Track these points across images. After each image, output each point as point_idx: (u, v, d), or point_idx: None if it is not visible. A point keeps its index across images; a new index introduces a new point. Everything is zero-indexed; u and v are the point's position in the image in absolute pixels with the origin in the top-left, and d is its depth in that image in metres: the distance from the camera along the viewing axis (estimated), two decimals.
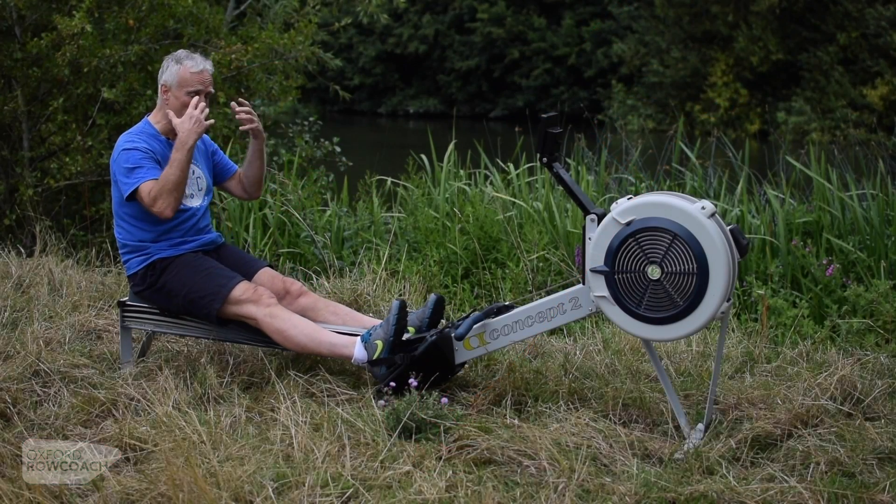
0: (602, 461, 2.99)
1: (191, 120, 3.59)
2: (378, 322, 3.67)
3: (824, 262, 5.02)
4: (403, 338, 3.49)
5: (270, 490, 2.70)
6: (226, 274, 3.65)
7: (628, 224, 3.10)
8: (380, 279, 4.79)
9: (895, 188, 5.83)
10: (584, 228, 3.22)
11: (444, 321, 3.72)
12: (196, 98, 3.64)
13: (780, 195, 5.94)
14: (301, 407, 3.25)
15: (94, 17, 6.34)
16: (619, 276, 3.12)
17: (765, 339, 4.19)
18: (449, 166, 6.49)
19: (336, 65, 8.39)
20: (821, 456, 2.98)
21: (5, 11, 6.43)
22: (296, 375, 3.59)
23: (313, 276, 5.04)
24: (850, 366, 3.63)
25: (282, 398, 3.30)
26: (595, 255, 3.16)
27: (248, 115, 3.78)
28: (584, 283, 3.24)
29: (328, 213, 6.23)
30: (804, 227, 5.63)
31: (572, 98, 28.34)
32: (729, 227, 3.14)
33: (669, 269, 3.05)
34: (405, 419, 3.07)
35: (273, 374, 3.59)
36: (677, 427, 3.22)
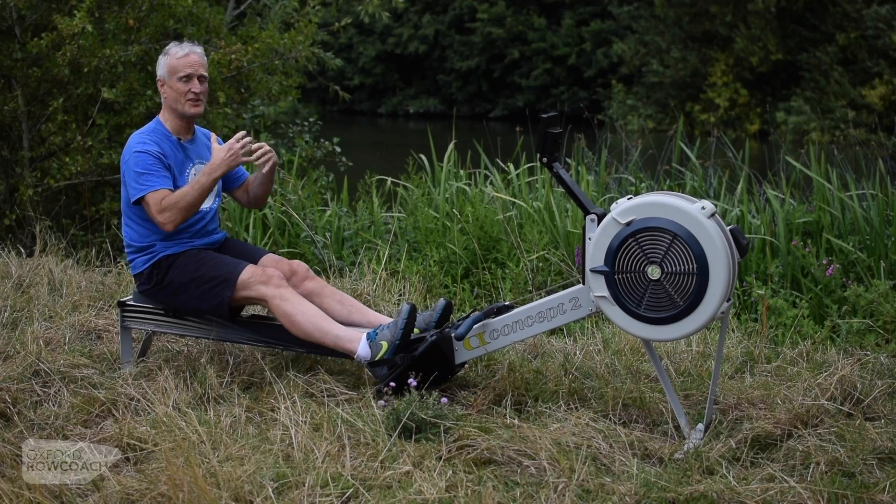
0: (602, 461, 2.99)
1: (228, 151, 3.56)
2: (383, 318, 3.67)
3: (824, 262, 5.02)
4: None
5: (270, 490, 2.70)
6: (232, 261, 3.64)
7: (628, 224, 3.10)
8: (380, 279, 4.79)
9: (895, 188, 5.83)
10: (584, 228, 3.22)
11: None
12: (242, 133, 3.60)
13: (780, 195, 5.94)
14: (301, 407, 3.25)
15: (95, 17, 6.34)
16: (619, 276, 3.12)
17: (765, 339, 4.19)
18: (449, 166, 6.49)
19: (336, 64, 8.39)
20: (821, 456, 2.98)
21: (5, 11, 6.43)
22: (295, 375, 3.59)
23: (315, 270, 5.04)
24: (850, 366, 3.64)
25: (282, 398, 3.30)
26: (595, 255, 3.16)
27: (268, 154, 3.70)
28: (584, 283, 3.24)
29: (328, 213, 6.23)
30: (804, 227, 5.63)
31: (572, 98, 28.35)
32: (729, 227, 3.14)
33: (669, 269, 3.05)
34: (405, 419, 3.07)
35: (273, 374, 3.59)
36: (677, 427, 3.22)
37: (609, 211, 3.16)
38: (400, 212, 6.47)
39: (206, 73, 3.73)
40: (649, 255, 3.07)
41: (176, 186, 3.64)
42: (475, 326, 3.44)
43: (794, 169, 6.34)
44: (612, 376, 3.71)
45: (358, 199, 6.98)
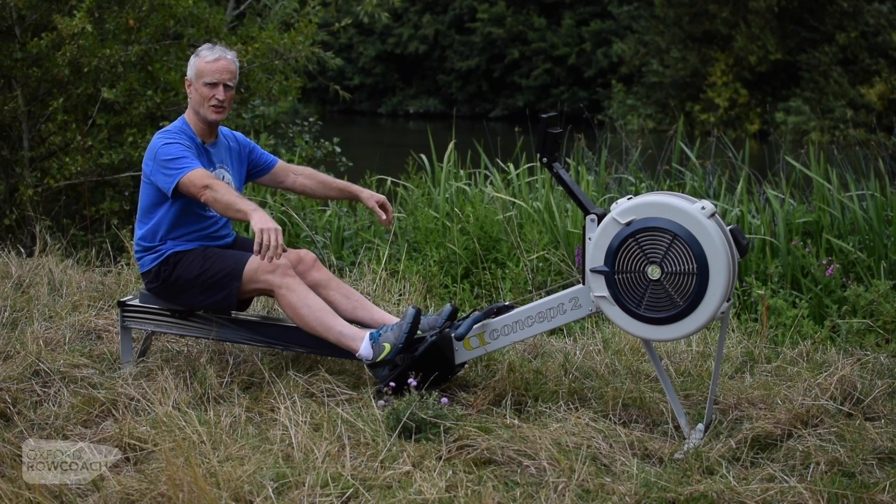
0: (602, 461, 2.99)
1: (269, 233, 3.26)
2: (388, 316, 3.66)
3: (824, 262, 5.02)
4: None
5: (270, 490, 2.70)
6: (237, 253, 3.63)
7: (628, 224, 3.10)
8: (380, 279, 4.79)
9: (895, 188, 5.83)
10: (584, 228, 3.22)
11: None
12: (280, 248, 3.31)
13: (780, 195, 5.94)
14: (301, 407, 3.25)
15: (95, 17, 6.34)
16: (619, 276, 3.12)
17: (765, 339, 4.19)
18: (449, 166, 6.49)
19: (336, 64, 8.39)
20: (821, 456, 2.98)
21: (5, 11, 6.43)
22: (295, 375, 3.59)
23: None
24: (850, 366, 3.64)
25: (282, 398, 3.30)
26: (595, 255, 3.16)
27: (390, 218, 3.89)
28: (584, 283, 3.24)
29: (328, 213, 6.24)
30: (804, 228, 5.63)
31: (572, 98, 28.35)
32: (729, 227, 3.14)
33: (669, 269, 3.05)
34: (405, 419, 3.07)
35: (273, 374, 3.59)
36: (677, 427, 3.22)
37: (609, 211, 3.16)
38: (400, 212, 6.47)
39: (232, 83, 3.71)
40: (649, 255, 3.07)
41: None
42: (475, 326, 3.44)
43: (794, 169, 6.34)
44: (612, 376, 3.71)
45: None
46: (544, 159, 3.32)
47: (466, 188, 6.31)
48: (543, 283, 5.10)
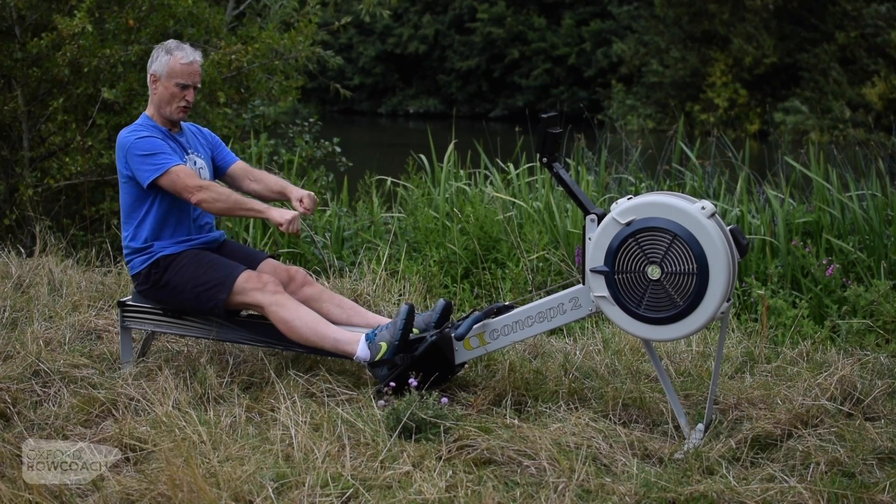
0: (602, 461, 2.99)
1: (286, 215, 3.52)
2: (383, 319, 3.67)
3: (824, 262, 5.03)
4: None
5: (270, 490, 2.70)
6: (230, 264, 3.64)
7: (628, 224, 3.10)
8: (380, 279, 4.78)
9: (895, 188, 5.84)
10: (584, 228, 3.22)
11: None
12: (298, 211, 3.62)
13: (780, 195, 5.94)
14: (301, 407, 3.25)
15: (95, 17, 6.34)
16: (619, 276, 3.12)
17: (765, 339, 4.19)
18: (449, 166, 6.49)
19: (337, 63, 8.37)
20: (821, 456, 2.98)
21: (5, 11, 6.43)
22: (296, 375, 3.59)
23: (313, 276, 5.04)
24: (850, 366, 3.63)
25: (282, 398, 3.30)
26: (595, 255, 3.16)
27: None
28: (584, 283, 3.24)
29: (328, 213, 6.23)
30: (804, 228, 5.63)
31: (572, 98, 28.36)
32: (729, 227, 3.14)
33: (669, 269, 3.05)
34: (405, 419, 3.07)
35: (273, 374, 3.59)
36: (677, 427, 3.22)
37: (609, 211, 3.16)
38: (400, 212, 6.47)
39: (199, 84, 3.76)
40: (649, 255, 3.07)
41: None
42: (475, 326, 3.44)
43: (794, 169, 6.34)
44: (612, 376, 3.71)
45: (358, 199, 6.98)
46: (544, 159, 3.32)
47: (466, 188, 6.31)
48: (543, 283, 5.10)
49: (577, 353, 3.95)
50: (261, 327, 3.71)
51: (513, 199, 6.03)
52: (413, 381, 3.28)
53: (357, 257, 5.59)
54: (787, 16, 23.35)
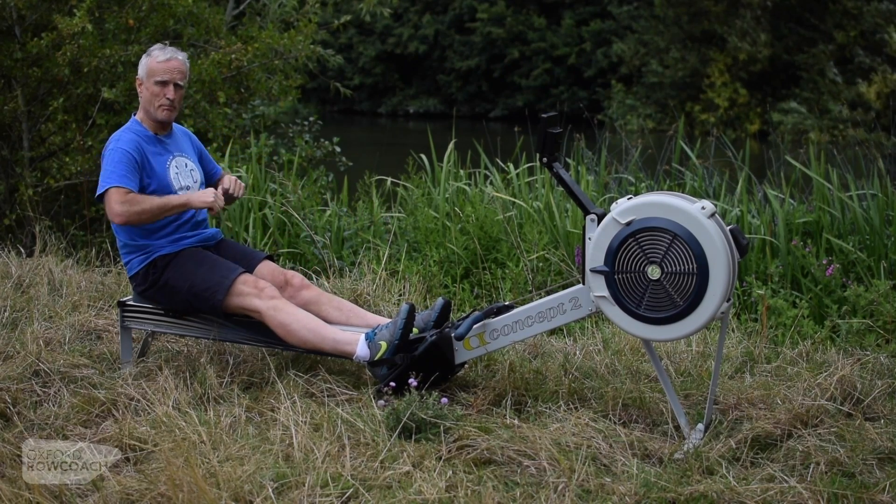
0: (602, 461, 2.99)
1: (213, 197, 3.57)
2: (382, 320, 3.67)
3: (824, 262, 5.03)
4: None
5: (270, 490, 2.70)
6: (228, 266, 3.65)
7: (628, 224, 3.10)
8: (380, 279, 4.78)
9: (895, 188, 5.84)
10: (584, 228, 3.22)
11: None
12: (220, 190, 3.66)
13: (780, 195, 5.94)
14: (301, 407, 3.25)
15: (95, 16, 6.35)
16: (619, 276, 3.12)
17: (765, 339, 4.19)
18: (449, 166, 6.48)
19: (337, 62, 8.38)
20: (821, 456, 2.98)
21: (5, 11, 6.43)
22: (296, 375, 3.59)
23: (313, 276, 5.04)
24: (850, 366, 3.63)
25: (282, 398, 3.30)
26: (595, 255, 3.16)
27: (240, 187, 3.86)
28: (584, 283, 3.24)
29: (328, 213, 6.23)
30: (804, 227, 5.63)
31: (572, 98, 28.34)
32: (729, 227, 3.14)
33: (669, 269, 3.05)
34: (405, 419, 3.07)
35: (273, 374, 3.59)
36: (677, 427, 3.22)
37: (609, 211, 3.16)
38: (400, 212, 6.47)
39: (182, 82, 3.76)
40: (649, 255, 3.07)
41: (151, 181, 3.65)
42: (475, 326, 3.44)
43: (794, 169, 6.34)
44: (612, 376, 3.71)
45: (358, 199, 6.98)
46: (544, 159, 3.32)
47: (466, 188, 6.31)
48: (543, 283, 5.10)
49: (577, 353, 3.95)
50: (261, 327, 3.70)
51: (513, 199, 6.03)
52: (413, 381, 3.28)
53: (357, 257, 5.59)
54: (786, 14, 23.35)
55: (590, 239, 3.18)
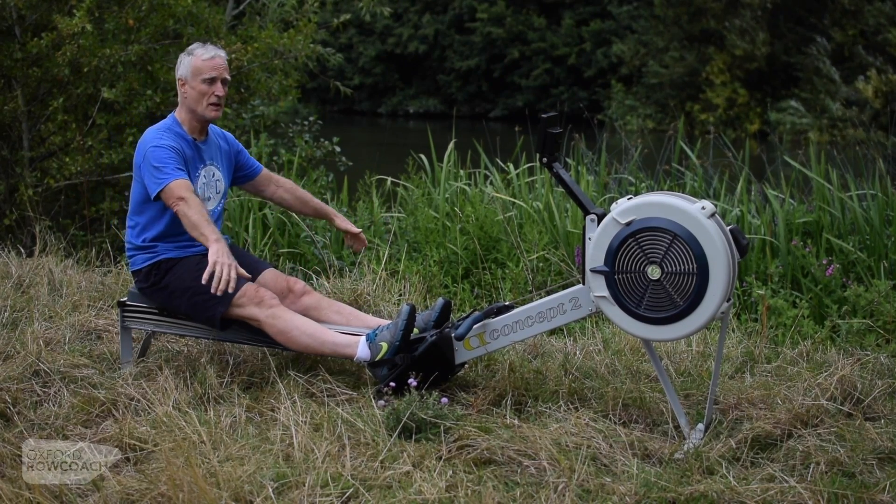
0: (602, 461, 2.99)
1: (222, 266, 3.32)
2: (382, 321, 3.67)
3: (824, 262, 5.03)
4: None
5: (270, 490, 2.70)
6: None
7: (628, 224, 3.10)
8: (380, 279, 4.78)
9: (895, 188, 5.84)
10: (584, 228, 3.22)
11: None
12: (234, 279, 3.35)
13: (780, 195, 5.94)
14: (301, 407, 3.25)
15: (95, 16, 6.34)
16: (619, 276, 3.12)
17: (765, 339, 4.19)
18: (449, 166, 6.49)
19: (338, 60, 8.37)
20: (821, 456, 2.98)
21: (5, 11, 6.43)
22: (296, 375, 3.59)
23: (313, 276, 5.04)
24: (850, 366, 3.63)
25: (282, 398, 3.30)
26: (595, 255, 3.16)
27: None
28: (584, 283, 3.24)
29: None
30: (804, 227, 5.63)
31: (572, 98, 28.33)
32: (729, 227, 3.14)
33: (669, 269, 3.05)
34: (405, 419, 3.07)
35: (273, 374, 3.59)
36: (677, 427, 3.22)
37: (609, 211, 3.16)
38: (400, 212, 6.47)
39: (228, 77, 3.75)
40: (649, 255, 3.07)
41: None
42: (475, 326, 3.44)
43: (794, 169, 6.34)
44: (612, 376, 3.71)
45: (358, 199, 6.98)
46: (544, 159, 3.32)
47: (466, 188, 6.31)
48: (543, 283, 5.10)
49: (577, 353, 3.95)
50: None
51: (513, 199, 6.03)
52: (413, 381, 3.28)
53: (357, 257, 5.59)
54: (785, 13, 23.34)
55: (590, 239, 3.18)
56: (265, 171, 4.05)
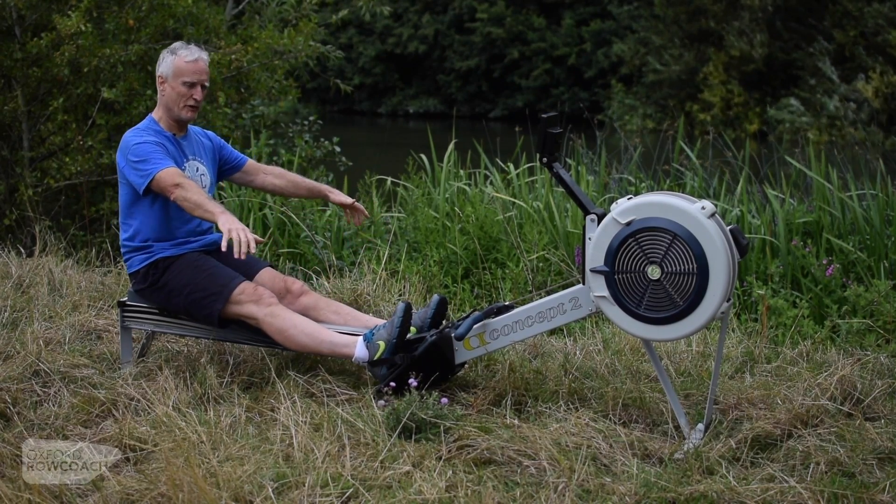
0: (602, 461, 2.99)
1: (234, 227, 3.31)
2: (380, 321, 3.67)
3: (824, 262, 5.03)
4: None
5: (270, 490, 2.70)
6: (227, 274, 3.64)
7: (628, 224, 3.10)
8: (380, 279, 4.78)
9: (895, 188, 5.84)
10: (584, 228, 3.22)
11: (444, 321, 3.72)
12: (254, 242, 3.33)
13: (780, 195, 5.94)
14: (301, 407, 3.25)
15: (94, 16, 6.34)
16: (619, 276, 3.12)
17: (765, 339, 4.19)
18: (449, 166, 6.49)
19: (338, 57, 8.37)
20: (821, 456, 2.98)
21: (5, 11, 6.43)
22: (296, 375, 3.59)
23: (313, 276, 5.04)
24: (850, 366, 3.63)
25: (282, 398, 3.30)
26: (595, 255, 3.16)
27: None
28: (584, 283, 3.24)
29: (328, 213, 6.24)
30: (804, 227, 5.63)
31: (572, 98, 28.34)
32: (729, 227, 3.14)
33: (669, 269, 3.05)
34: (405, 419, 3.07)
35: (273, 374, 3.59)
36: (677, 427, 3.22)
37: (609, 211, 3.16)
38: (400, 212, 6.47)
39: (207, 82, 3.76)
40: (649, 255, 3.07)
41: None
42: (475, 326, 3.44)
43: (794, 169, 6.34)
44: (612, 376, 3.71)
45: (358, 199, 6.98)
46: (544, 159, 3.32)
47: (466, 188, 6.31)
48: (543, 283, 5.10)
49: (577, 353, 3.95)
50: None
51: (513, 199, 6.03)
52: (413, 381, 3.28)
53: (357, 257, 5.59)
54: (785, 14, 23.34)
55: (590, 239, 3.18)
56: (251, 161, 4.06)
